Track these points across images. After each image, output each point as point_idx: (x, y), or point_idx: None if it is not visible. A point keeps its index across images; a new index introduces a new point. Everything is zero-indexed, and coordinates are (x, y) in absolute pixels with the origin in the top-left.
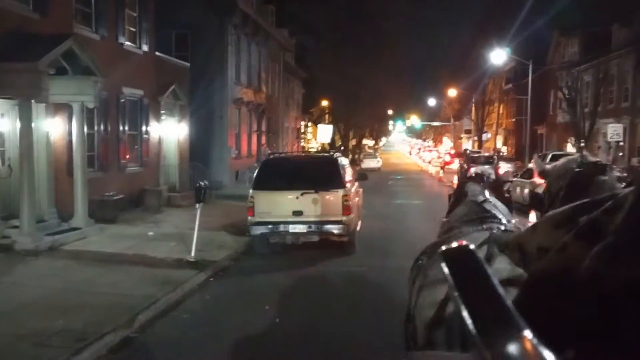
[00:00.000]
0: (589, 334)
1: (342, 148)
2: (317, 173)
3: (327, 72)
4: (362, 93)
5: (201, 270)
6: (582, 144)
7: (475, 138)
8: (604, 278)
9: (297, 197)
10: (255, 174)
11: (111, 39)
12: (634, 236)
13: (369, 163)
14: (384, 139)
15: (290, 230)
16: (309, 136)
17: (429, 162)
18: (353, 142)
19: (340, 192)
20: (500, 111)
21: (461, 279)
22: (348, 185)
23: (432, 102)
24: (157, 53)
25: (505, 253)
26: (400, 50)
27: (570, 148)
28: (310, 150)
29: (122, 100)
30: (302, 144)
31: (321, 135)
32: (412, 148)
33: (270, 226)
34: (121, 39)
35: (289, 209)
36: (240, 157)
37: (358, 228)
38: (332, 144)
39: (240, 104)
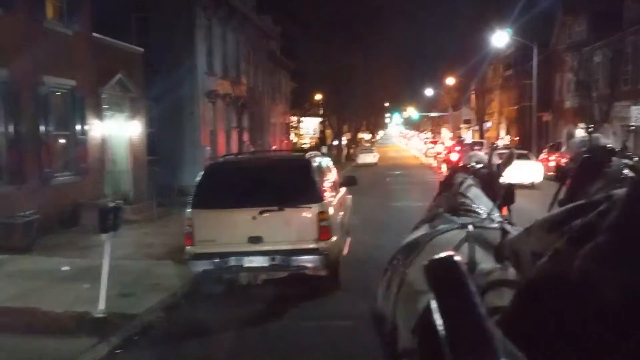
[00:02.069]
0: (585, 341)
1: (336, 143)
2: (283, 182)
3: (316, 61)
4: (354, 83)
5: (105, 337)
6: (591, 129)
7: (476, 128)
8: (595, 279)
9: (255, 217)
10: (195, 186)
11: (21, 14)
12: (625, 236)
13: (364, 158)
14: (381, 132)
15: (245, 265)
16: (302, 131)
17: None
18: (348, 135)
19: (316, 207)
20: (501, 99)
21: (443, 295)
22: (328, 196)
23: (429, 92)
24: (95, 35)
25: (489, 251)
26: (394, 38)
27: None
28: (304, 146)
29: (43, 93)
30: (294, 140)
31: (308, 129)
32: (409, 140)
33: (216, 260)
34: (38, 15)
35: (243, 235)
36: (217, 158)
37: (345, 251)
38: (322, 138)
39: (215, 97)
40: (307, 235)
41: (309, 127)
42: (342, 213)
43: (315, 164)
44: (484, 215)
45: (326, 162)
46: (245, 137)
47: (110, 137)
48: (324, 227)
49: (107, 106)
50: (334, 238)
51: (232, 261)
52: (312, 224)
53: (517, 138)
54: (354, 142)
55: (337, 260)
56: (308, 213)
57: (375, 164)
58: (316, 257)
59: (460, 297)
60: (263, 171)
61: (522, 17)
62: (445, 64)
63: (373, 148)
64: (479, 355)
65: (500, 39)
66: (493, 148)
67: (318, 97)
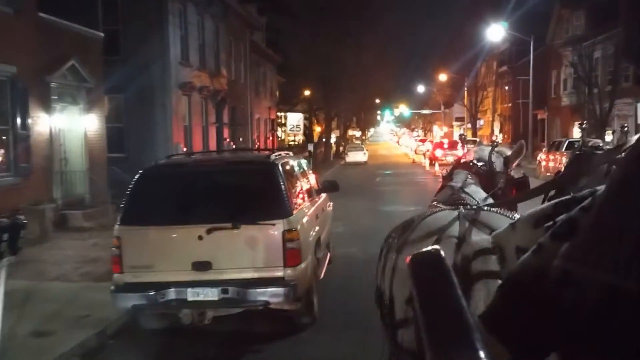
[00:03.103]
0: (566, 338)
1: (324, 140)
2: (240, 191)
3: (303, 54)
4: (343, 77)
5: None
6: (584, 126)
7: (469, 126)
8: (573, 278)
9: (201, 237)
10: (126, 194)
11: None
12: (602, 236)
13: (354, 156)
14: (371, 130)
15: (189, 299)
16: (288, 128)
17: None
18: (337, 132)
19: (281, 224)
20: (494, 96)
21: (424, 289)
22: (298, 208)
23: (421, 88)
24: (42, 15)
25: (481, 229)
26: (384, 31)
27: (577, 134)
28: (291, 143)
29: None
30: (282, 137)
31: (290, 124)
32: (400, 137)
33: (150, 293)
34: None
35: (185, 260)
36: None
37: (322, 274)
38: (309, 135)
39: (190, 90)
40: (270, 260)
41: (292, 123)
42: (318, 227)
43: (282, 168)
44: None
45: (299, 164)
46: (226, 133)
47: (61, 132)
48: (292, 250)
49: (56, 97)
50: (306, 262)
51: (172, 294)
52: (276, 246)
53: (505, 136)
54: (343, 139)
55: (310, 289)
56: (271, 231)
57: (365, 162)
58: (281, 288)
59: (441, 290)
60: (214, 177)
61: (516, 11)
62: (438, 59)
63: (363, 146)
64: (457, 347)
65: (496, 32)
66: (493, 146)
67: (306, 92)
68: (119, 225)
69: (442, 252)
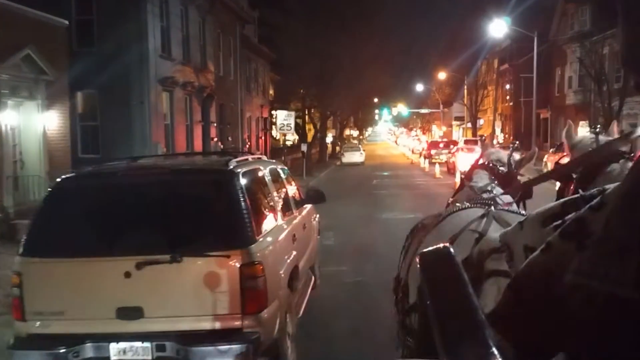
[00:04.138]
0: (572, 338)
1: (320, 139)
2: (183, 211)
3: (297, 48)
4: (338, 74)
5: None
6: (598, 130)
7: (469, 125)
8: (586, 293)
9: (129, 274)
10: (33, 217)
11: None
12: (611, 249)
13: (350, 157)
14: (369, 129)
15: (113, 358)
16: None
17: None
18: (333, 132)
19: (237, 257)
20: (495, 95)
21: (435, 285)
22: (265, 232)
23: (419, 87)
24: None
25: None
26: (383, 27)
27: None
28: (287, 142)
29: None
30: (276, 136)
31: (280, 123)
32: (397, 137)
33: (61, 350)
34: None
35: (108, 304)
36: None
37: (301, 311)
38: (302, 133)
39: (172, 85)
40: (223, 305)
41: (282, 121)
42: (295, 252)
43: (245, 179)
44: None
45: (273, 171)
46: (213, 132)
47: (13, 131)
48: (253, 290)
49: (7, 91)
50: (274, 304)
51: (89, 351)
52: (231, 286)
53: (506, 136)
54: (340, 138)
55: (281, 339)
56: (224, 266)
57: (362, 163)
58: (238, 345)
59: (452, 287)
60: (149, 192)
61: (518, 7)
62: (437, 58)
63: (360, 146)
64: (470, 345)
65: (498, 28)
66: (514, 148)
67: (301, 89)
68: (20, 256)
69: (452, 249)
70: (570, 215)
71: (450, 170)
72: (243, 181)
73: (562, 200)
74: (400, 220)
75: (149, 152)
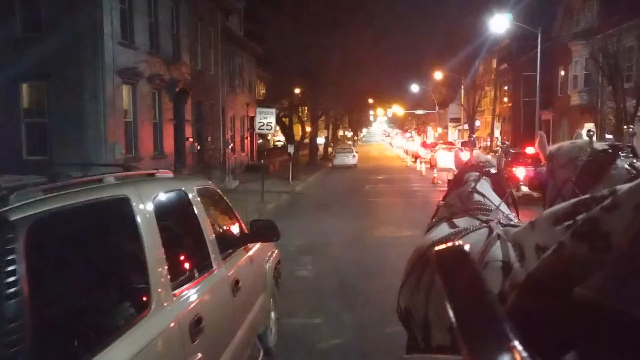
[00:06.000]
0: (584, 337)
1: (310, 140)
2: None
3: (285, 42)
4: (329, 71)
5: None
6: (592, 133)
7: (465, 127)
8: (603, 309)
9: None
10: None
11: None
12: (631, 270)
13: (342, 159)
14: (364, 130)
15: None
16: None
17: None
18: (325, 133)
19: None
20: (493, 95)
21: (453, 282)
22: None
23: (415, 88)
24: None
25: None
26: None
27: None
28: (278, 144)
29: None
30: (268, 138)
31: (259, 122)
32: (392, 138)
33: None
34: None
35: None
36: (140, 159)
37: None
38: (289, 133)
39: (135, 78)
40: None
41: (261, 119)
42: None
43: (36, 231)
44: (493, 210)
45: (174, 199)
46: (188, 132)
47: None
48: None
49: None
50: None
51: None
52: None
53: (505, 138)
54: (333, 139)
55: None
56: None
57: (355, 165)
58: None
59: (471, 285)
60: None
61: (518, 3)
62: (433, 57)
63: (352, 147)
64: (491, 340)
65: (499, 24)
66: (505, 149)
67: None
68: None
69: (467, 247)
70: (581, 216)
71: (432, 166)
72: (33, 236)
73: (573, 200)
74: (397, 240)
75: (105, 154)
